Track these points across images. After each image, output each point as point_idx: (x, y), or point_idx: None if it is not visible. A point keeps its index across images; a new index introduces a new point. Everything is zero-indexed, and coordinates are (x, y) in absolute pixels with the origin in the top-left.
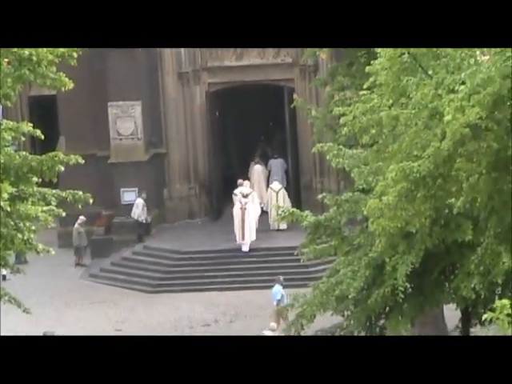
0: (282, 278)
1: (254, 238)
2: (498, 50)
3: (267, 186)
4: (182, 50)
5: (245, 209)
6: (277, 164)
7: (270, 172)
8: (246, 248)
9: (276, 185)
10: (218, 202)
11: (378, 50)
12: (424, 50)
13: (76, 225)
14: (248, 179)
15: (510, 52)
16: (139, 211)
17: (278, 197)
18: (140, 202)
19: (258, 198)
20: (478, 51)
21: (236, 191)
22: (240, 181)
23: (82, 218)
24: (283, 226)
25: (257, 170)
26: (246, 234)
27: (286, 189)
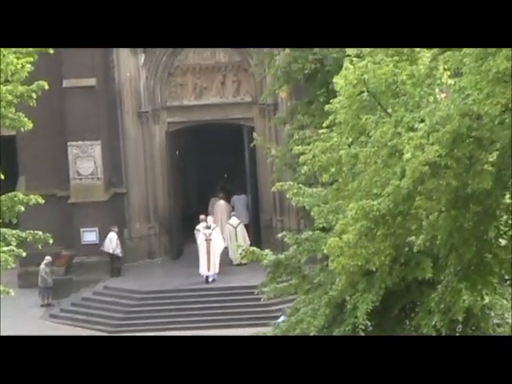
0: (286, 309)
1: (217, 270)
2: (457, 88)
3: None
4: (142, 88)
5: (210, 239)
6: (240, 200)
7: (233, 207)
8: (211, 279)
9: (234, 220)
10: (177, 241)
11: (338, 88)
12: (383, 88)
13: (42, 265)
14: (209, 215)
15: (468, 90)
16: (113, 245)
17: (237, 232)
18: (113, 235)
19: (222, 233)
20: (437, 89)
21: (198, 227)
22: (202, 216)
23: (48, 258)
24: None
25: (220, 205)
26: (212, 265)
27: (246, 225)
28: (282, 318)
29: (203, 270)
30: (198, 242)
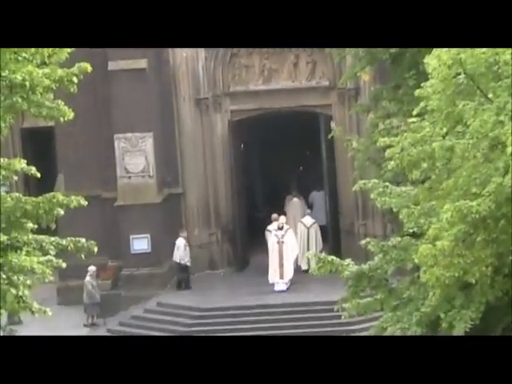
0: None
1: (290, 277)
2: None
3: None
4: (201, 72)
5: (282, 242)
6: (319, 197)
7: (311, 206)
8: (283, 287)
9: (308, 219)
10: (243, 250)
11: (430, 70)
12: (483, 69)
13: (87, 277)
14: (283, 215)
15: None
16: (181, 253)
17: (309, 233)
18: (181, 242)
19: (288, 249)
20: None
21: (269, 227)
22: (274, 215)
23: (92, 268)
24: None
25: (294, 204)
26: (285, 271)
27: (323, 227)
28: None
29: (274, 277)
30: (269, 244)
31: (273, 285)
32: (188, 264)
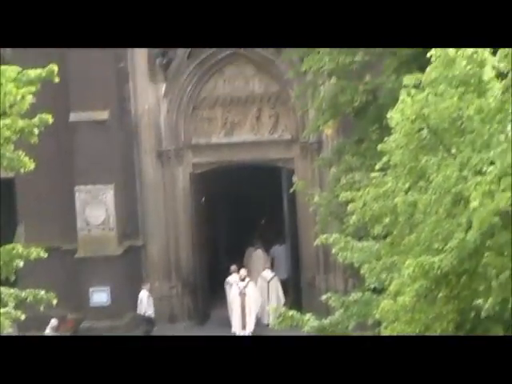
0: None
1: (252, 329)
2: None
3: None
4: (163, 124)
5: (244, 294)
6: (281, 251)
7: (273, 259)
8: (245, 333)
9: (268, 273)
10: (204, 303)
11: (393, 124)
12: (446, 124)
13: (48, 329)
14: (243, 267)
15: None
16: (144, 305)
17: (270, 287)
18: (144, 294)
19: (251, 301)
20: (509, 126)
21: (229, 279)
22: (233, 267)
23: (53, 321)
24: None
25: (257, 255)
26: (247, 323)
27: (284, 282)
28: None
29: (237, 328)
30: (231, 296)
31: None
32: (152, 316)
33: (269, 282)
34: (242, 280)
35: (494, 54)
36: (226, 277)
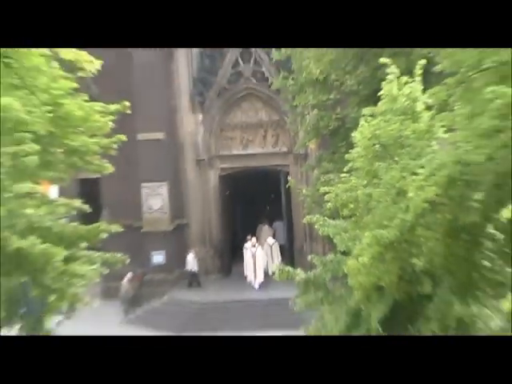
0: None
1: (261, 279)
2: (451, 141)
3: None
4: (200, 141)
5: (255, 255)
6: (280, 225)
7: (275, 231)
8: (256, 286)
9: (270, 240)
10: (228, 262)
11: (356, 141)
12: (391, 141)
13: (125, 280)
14: (254, 237)
15: (460, 143)
16: (191, 264)
17: (272, 249)
18: (191, 256)
19: (260, 260)
20: (434, 142)
21: (246, 245)
22: (248, 237)
23: (129, 274)
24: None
25: (265, 229)
26: (256, 275)
27: (282, 246)
28: None
29: (250, 279)
30: (246, 257)
31: (249, 284)
32: (196, 271)
33: (271, 246)
34: (253, 246)
35: (425, 91)
36: (243, 244)
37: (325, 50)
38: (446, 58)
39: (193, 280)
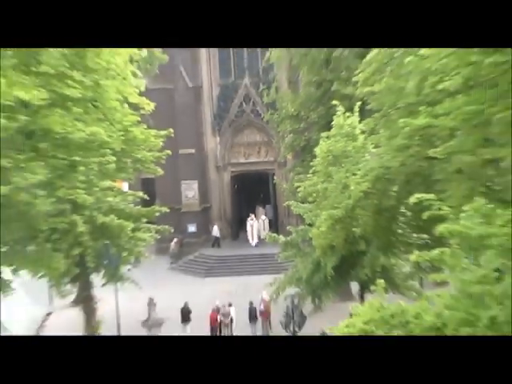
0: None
1: (257, 241)
2: (378, 153)
3: (258, 219)
4: (218, 154)
5: (253, 226)
6: (269, 207)
7: (266, 211)
8: (253, 244)
9: (263, 216)
10: (236, 231)
11: (317, 153)
12: (340, 153)
13: (172, 243)
14: (253, 214)
15: (383, 155)
16: (216, 232)
17: (264, 222)
18: (216, 227)
19: (255, 229)
20: (367, 154)
21: (248, 219)
22: (251, 214)
23: (175, 239)
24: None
25: (260, 210)
26: (254, 238)
27: (271, 220)
28: None
29: (250, 240)
30: (247, 227)
31: (250, 244)
32: (219, 236)
33: (264, 221)
34: (252, 220)
35: (360, 122)
36: (246, 219)
37: (295, 96)
38: (374, 100)
39: (215, 242)
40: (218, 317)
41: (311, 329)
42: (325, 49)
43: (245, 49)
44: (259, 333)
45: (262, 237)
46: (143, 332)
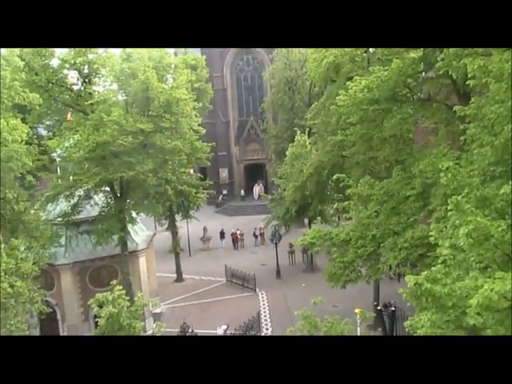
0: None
1: (257, 197)
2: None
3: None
4: (238, 154)
5: (256, 189)
6: (263, 181)
7: (262, 182)
8: (256, 197)
9: (261, 185)
10: (246, 195)
11: (288, 153)
12: (299, 154)
13: (219, 198)
14: (256, 185)
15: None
16: (243, 193)
17: (261, 188)
18: (242, 190)
19: (257, 191)
20: (312, 155)
21: (254, 187)
22: (255, 184)
23: (220, 197)
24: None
25: (259, 181)
26: (256, 195)
27: (265, 187)
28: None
29: (255, 196)
30: (253, 191)
31: (253, 197)
32: (243, 194)
33: (260, 187)
34: (255, 186)
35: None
36: (252, 187)
37: (276, 125)
38: (315, 127)
39: (242, 198)
40: (237, 235)
41: (284, 242)
42: (290, 101)
43: (250, 97)
44: (258, 244)
45: (260, 194)
46: (201, 244)
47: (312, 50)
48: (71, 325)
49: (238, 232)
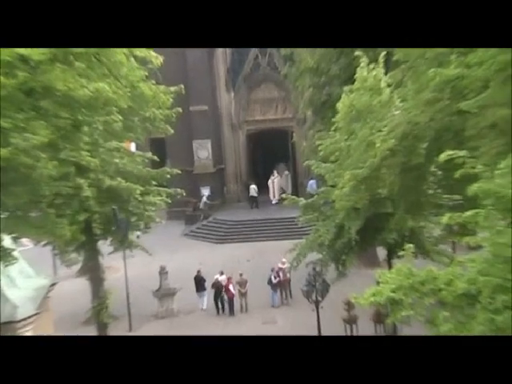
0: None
1: (277, 199)
2: (404, 107)
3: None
4: (233, 111)
5: (274, 182)
6: (286, 170)
7: (288, 166)
8: (274, 202)
9: (286, 172)
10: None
11: (339, 108)
12: (363, 108)
13: (199, 202)
14: (275, 170)
15: (410, 109)
16: (253, 191)
17: (288, 178)
18: (253, 186)
19: (277, 185)
20: (393, 108)
21: (271, 177)
22: (273, 172)
23: (202, 197)
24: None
25: (281, 166)
26: (275, 196)
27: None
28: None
29: (272, 197)
30: (269, 184)
31: (271, 201)
32: (256, 195)
33: (287, 176)
34: (273, 176)
35: (386, 74)
36: (265, 178)
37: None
38: (401, 50)
39: (252, 201)
40: (233, 285)
41: (335, 297)
42: None
43: None
44: (277, 303)
45: (287, 192)
46: (154, 304)
47: None
48: None
49: (235, 279)
